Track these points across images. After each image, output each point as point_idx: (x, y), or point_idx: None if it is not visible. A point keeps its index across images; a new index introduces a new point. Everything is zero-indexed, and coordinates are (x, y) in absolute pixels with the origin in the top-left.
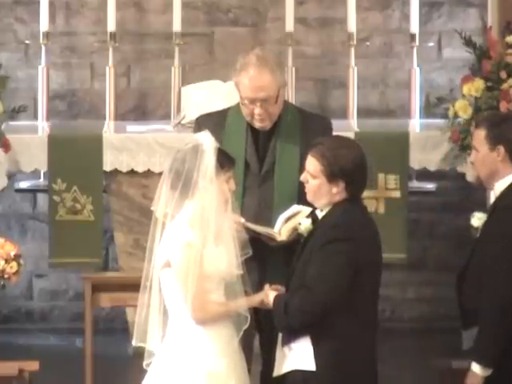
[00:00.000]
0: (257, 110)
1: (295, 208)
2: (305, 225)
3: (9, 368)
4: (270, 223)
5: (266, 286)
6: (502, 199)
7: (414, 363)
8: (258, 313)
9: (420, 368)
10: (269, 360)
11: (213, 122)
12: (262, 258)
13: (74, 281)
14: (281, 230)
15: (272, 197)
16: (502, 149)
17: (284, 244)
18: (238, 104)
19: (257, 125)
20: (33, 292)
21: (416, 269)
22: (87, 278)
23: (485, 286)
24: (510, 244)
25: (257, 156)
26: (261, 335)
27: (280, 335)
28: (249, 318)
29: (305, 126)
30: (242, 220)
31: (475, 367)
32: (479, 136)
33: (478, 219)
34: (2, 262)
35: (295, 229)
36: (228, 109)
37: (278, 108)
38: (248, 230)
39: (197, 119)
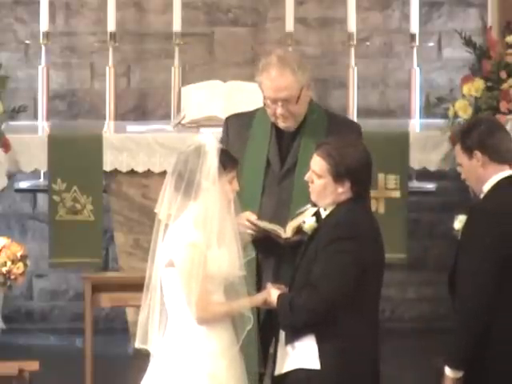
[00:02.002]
0: (279, 110)
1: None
2: (309, 223)
3: (9, 368)
4: (286, 222)
5: (269, 285)
6: (480, 202)
7: (415, 363)
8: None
9: (420, 368)
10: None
11: (240, 121)
12: (277, 256)
13: (74, 281)
14: (285, 228)
15: (290, 196)
16: (478, 154)
17: (292, 242)
18: None
19: (281, 125)
20: (33, 292)
21: (416, 269)
22: (87, 278)
23: (459, 288)
24: (482, 246)
25: (279, 155)
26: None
27: (283, 334)
28: (252, 319)
29: (331, 128)
30: (254, 217)
31: (446, 369)
32: (457, 151)
33: (459, 222)
34: (9, 263)
35: (300, 227)
36: (257, 109)
37: (301, 108)
38: (258, 227)
39: (226, 118)
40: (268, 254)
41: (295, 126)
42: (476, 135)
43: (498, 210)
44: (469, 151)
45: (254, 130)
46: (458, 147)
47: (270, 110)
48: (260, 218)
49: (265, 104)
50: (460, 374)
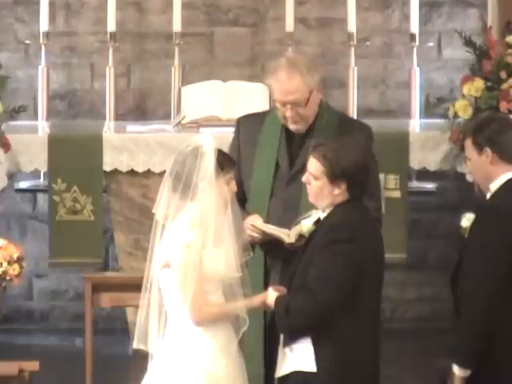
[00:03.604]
0: (288, 113)
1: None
2: (307, 225)
3: (9, 368)
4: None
5: (269, 288)
6: (490, 200)
7: (414, 363)
8: None
9: (420, 368)
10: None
11: (251, 122)
12: (285, 258)
13: (74, 281)
14: (289, 233)
15: (299, 198)
16: (488, 150)
17: (295, 247)
18: None
19: (291, 127)
20: (33, 292)
21: (416, 269)
22: (87, 278)
23: (467, 287)
24: (488, 246)
25: (288, 158)
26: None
27: (281, 336)
28: (247, 320)
29: (342, 130)
30: (260, 221)
31: (454, 368)
32: (467, 145)
33: (467, 220)
34: (5, 264)
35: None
36: (268, 111)
37: (311, 111)
38: (261, 231)
39: (238, 119)
40: (275, 256)
41: (305, 128)
42: (488, 132)
43: (509, 209)
44: (479, 147)
45: (264, 131)
46: (468, 141)
47: (280, 113)
48: (268, 220)
49: (275, 107)
50: (467, 373)
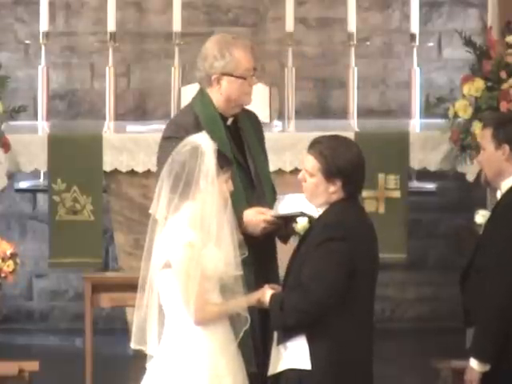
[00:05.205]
0: (254, 79)
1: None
2: (301, 223)
3: (9, 368)
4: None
5: (265, 286)
6: (505, 197)
7: (414, 363)
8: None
9: (420, 368)
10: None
11: (191, 121)
12: (268, 255)
13: (74, 281)
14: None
15: (263, 189)
16: (507, 147)
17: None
18: (198, 100)
19: (249, 100)
20: (33, 292)
21: (416, 269)
22: (87, 278)
23: (486, 283)
24: (503, 242)
25: (240, 152)
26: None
27: (275, 334)
28: (249, 319)
29: (251, 118)
30: (272, 212)
31: (473, 362)
32: (486, 135)
33: (481, 216)
34: None
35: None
36: (189, 106)
37: None
38: (279, 219)
39: (176, 123)
40: (259, 253)
41: None
42: (511, 129)
43: None
44: (498, 141)
45: (206, 126)
46: (487, 132)
47: (248, 85)
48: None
49: (244, 78)
50: (486, 368)
